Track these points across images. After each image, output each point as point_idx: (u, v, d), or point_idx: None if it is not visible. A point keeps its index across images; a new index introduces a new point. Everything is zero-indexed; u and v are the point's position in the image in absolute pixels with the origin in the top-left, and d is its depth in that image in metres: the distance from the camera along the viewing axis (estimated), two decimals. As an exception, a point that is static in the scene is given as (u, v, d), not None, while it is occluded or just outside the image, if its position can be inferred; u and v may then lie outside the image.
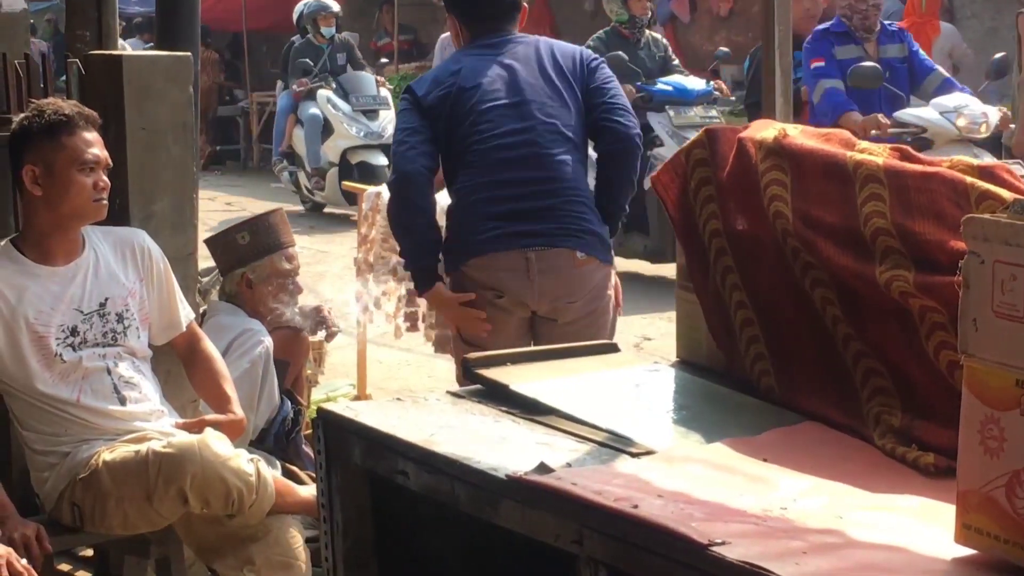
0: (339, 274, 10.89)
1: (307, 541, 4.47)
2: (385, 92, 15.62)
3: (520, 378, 3.03)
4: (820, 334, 2.83)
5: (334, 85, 15.44)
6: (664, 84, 11.72)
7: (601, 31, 12.41)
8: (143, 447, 4.25)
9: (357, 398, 6.60)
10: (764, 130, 3.02)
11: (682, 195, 3.14)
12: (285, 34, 23.79)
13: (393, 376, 8.35)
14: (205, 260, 5.62)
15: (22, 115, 4.45)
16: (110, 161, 4.40)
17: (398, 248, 5.95)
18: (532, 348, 3.37)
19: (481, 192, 4.83)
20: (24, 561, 3.93)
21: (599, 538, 2.33)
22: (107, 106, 4.65)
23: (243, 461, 4.21)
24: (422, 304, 5.93)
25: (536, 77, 4.89)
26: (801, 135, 2.96)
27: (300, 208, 15.68)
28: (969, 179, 2.67)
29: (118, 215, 4.57)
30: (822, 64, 9.02)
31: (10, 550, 4.05)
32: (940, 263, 2.55)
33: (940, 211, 2.63)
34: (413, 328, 6.07)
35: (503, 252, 4.77)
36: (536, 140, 4.84)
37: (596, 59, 5.04)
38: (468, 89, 4.88)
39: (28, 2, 5.60)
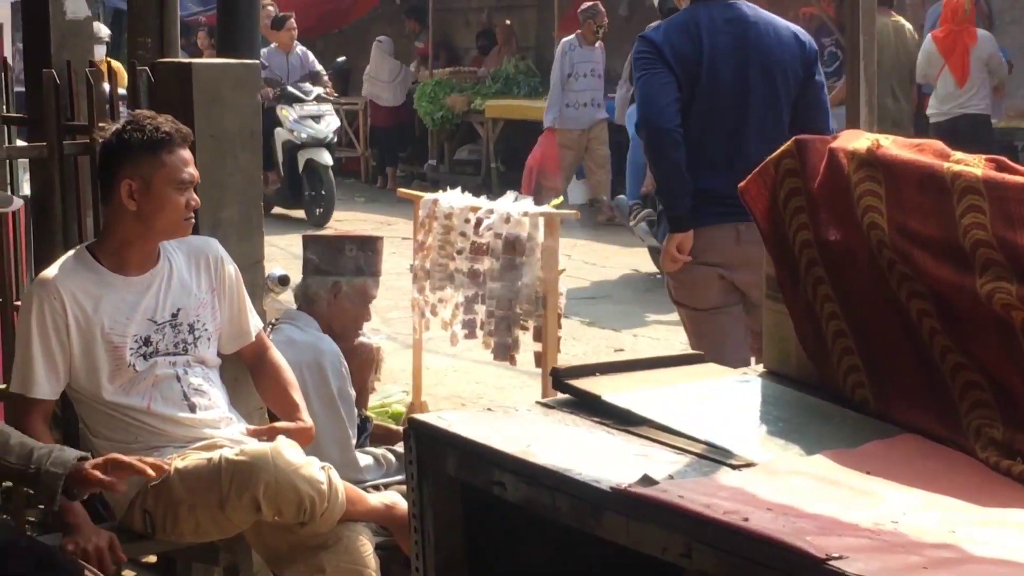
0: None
1: (376, 549, 4.47)
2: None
3: (610, 389, 3.02)
4: (917, 346, 2.82)
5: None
6: None
7: None
8: (215, 455, 4.25)
9: (412, 405, 6.60)
10: (855, 140, 3.01)
11: (771, 205, 3.14)
12: (318, 38, 23.91)
13: (441, 382, 8.36)
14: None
15: (117, 126, 4.42)
16: (199, 179, 4.41)
17: (455, 255, 5.98)
18: (618, 360, 3.36)
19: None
20: None
21: (709, 551, 2.33)
22: (175, 114, 4.64)
23: (315, 469, 4.21)
24: (480, 311, 5.94)
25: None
26: (894, 145, 2.95)
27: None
28: (1073, 191, 2.66)
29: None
30: None
31: (112, 536, 4.14)
32: (1045, 276, 2.54)
33: (1043, 223, 2.62)
34: (471, 335, 6.07)
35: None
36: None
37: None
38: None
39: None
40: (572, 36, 15.64)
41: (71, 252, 4.50)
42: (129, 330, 4.36)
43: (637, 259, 12.83)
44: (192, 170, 4.37)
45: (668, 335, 9.87)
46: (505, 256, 5.70)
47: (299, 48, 16.77)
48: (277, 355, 4.70)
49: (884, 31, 11.95)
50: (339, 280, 5.40)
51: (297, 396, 4.59)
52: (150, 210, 4.32)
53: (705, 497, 2.42)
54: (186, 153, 4.38)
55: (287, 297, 6.65)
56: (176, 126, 4.38)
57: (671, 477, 2.57)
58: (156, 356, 4.38)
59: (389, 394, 6.94)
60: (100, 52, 9.78)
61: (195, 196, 4.38)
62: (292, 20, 16.71)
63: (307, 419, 4.54)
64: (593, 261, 13.04)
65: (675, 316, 10.28)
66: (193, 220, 4.41)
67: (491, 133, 18.07)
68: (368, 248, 5.47)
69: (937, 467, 2.62)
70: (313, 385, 5.06)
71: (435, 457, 2.92)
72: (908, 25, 12.94)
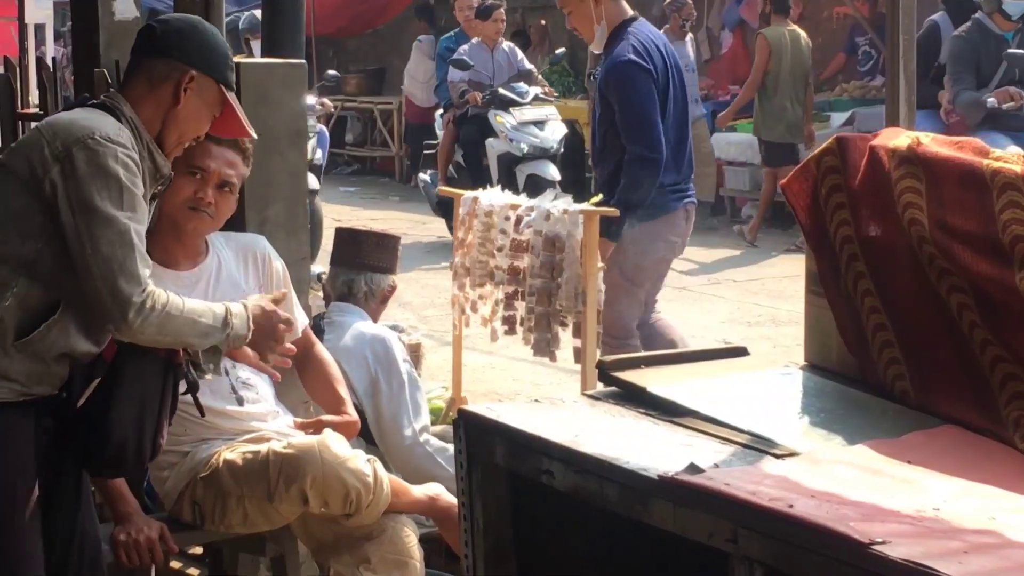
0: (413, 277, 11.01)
1: (420, 540, 4.54)
2: None
3: (655, 381, 3.09)
4: (956, 339, 2.87)
5: None
6: None
7: None
8: (263, 447, 4.33)
9: (452, 401, 6.66)
10: (896, 138, 3.07)
11: (812, 201, 3.20)
12: (351, 38, 23.99)
13: (479, 379, 8.42)
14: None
15: None
16: (229, 181, 4.40)
17: (495, 252, 6.04)
18: (664, 352, 3.43)
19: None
20: None
21: (755, 537, 2.39)
22: (222, 112, 4.73)
23: (361, 462, 4.28)
24: (520, 308, 5.99)
25: None
26: (934, 143, 3.00)
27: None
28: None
29: (235, 219, 4.64)
30: None
31: (163, 526, 4.24)
32: (1085, 270, 2.60)
33: (1082, 219, 2.68)
34: (511, 331, 6.12)
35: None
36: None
37: None
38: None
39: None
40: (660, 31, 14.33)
41: None
42: None
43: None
44: (215, 165, 4.34)
45: (703, 333, 9.93)
46: (545, 253, 5.76)
47: (505, 44, 14.17)
48: (322, 350, 4.76)
49: (782, 40, 13.29)
50: (394, 278, 5.47)
51: (342, 390, 4.66)
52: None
53: (751, 485, 2.48)
54: (216, 148, 4.34)
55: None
56: None
57: (716, 466, 2.63)
58: (203, 350, 4.45)
59: (429, 390, 6.99)
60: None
61: (209, 193, 4.35)
62: (501, 10, 14.10)
63: (352, 413, 4.61)
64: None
65: (710, 315, 10.39)
66: (203, 215, 4.36)
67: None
68: (387, 245, 5.53)
69: (977, 457, 2.68)
70: (383, 370, 5.13)
71: (484, 447, 2.99)
72: (803, 34, 13.67)
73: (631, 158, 6.13)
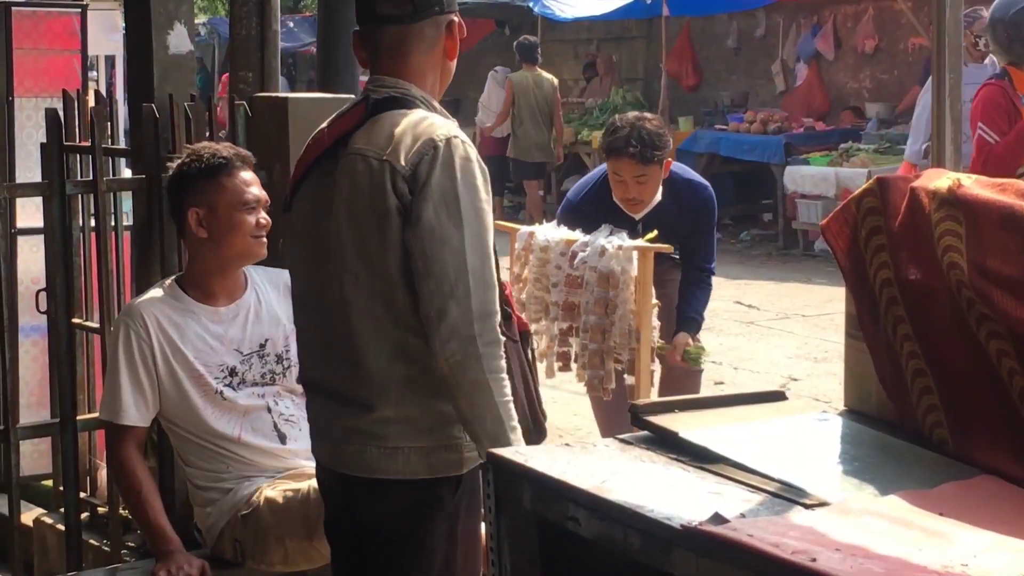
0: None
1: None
2: None
3: (688, 425, 3.03)
4: (996, 387, 2.80)
5: None
6: None
7: None
8: (304, 485, 4.30)
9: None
10: (937, 179, 3.00)
11: (852, 243, 3.13)
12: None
13: (539, 413, 8.35)
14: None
15: (179, 160, 4.53)
16: (268, 199, 4.47)
17: (550, 287, 6.01)
18: (699, 396, 3.38)
19: None
20: None
21: (776, 591, 2.33)
22: (272, 147, 4.73)
23: (402, 500, 4.24)
24: (574, 344, 5.95)
25: None
26: (975, 185, 2.93)
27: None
28: None
29: (281, 253, 4.63)
30: None
31: (204, 563, 4.26)
32: (1124, 318, 2.52)
33: (1123, 265, 2.60)
34: (565, 368, 6.09)
35: None
36: None
37: None
38: None
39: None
40: None
41: (160, 283, 4.59)
42: (213, 360, 4.42)
43: (740, 291, 12.79)
44: (257, 190, 4.43)
45: (769, 368, 9.83)
46: (599, 289, 5.72)
47: None
48: None
49: (526, 82, 17.63)
50: None
51: None
52: (220, 235, 4.40)
53: (775, 536, 2.41)
54: (247, 175, 4.44)
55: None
56: (235, 150, 4.46)
57: (743, 515, 2.57)
58: (244, 387, 4.44)
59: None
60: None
61: (265, 216, 4.43)
62: None
63: None
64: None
65: (776, 351, 10.29)
66: (264, 240, 4.45)
67: (598, 164, 18.07)
68: None
69: (1012, 509, 2.60)
70: None
71: (512, 491, 2.94)
72: (549, 77, 17.74)
73: (709, 274, 6.55)
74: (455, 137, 3.47)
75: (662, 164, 6.18)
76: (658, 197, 6.25)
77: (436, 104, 3.65)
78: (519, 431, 3.49)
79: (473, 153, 3.49)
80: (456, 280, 3.38)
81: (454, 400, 3.46)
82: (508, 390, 3.48)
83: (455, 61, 3.73)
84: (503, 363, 3.46)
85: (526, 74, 17.79)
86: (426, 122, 3.50)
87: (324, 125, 3.74)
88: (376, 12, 3.61)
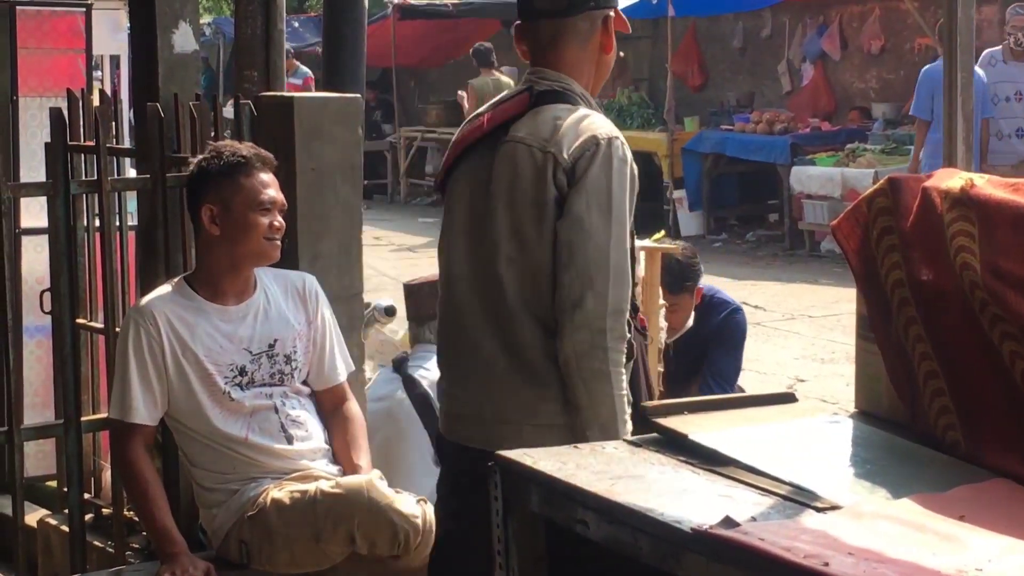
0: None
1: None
2: None
3: (698, 427, 3.00)
4: (1009, 388, 2.77)
5: None
6: None
7: None
8: (311, 486, 4.28)
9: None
10: (949, 179, 2.97)
11: (863, 244, 3.10)
12: (432, 69, 24.05)
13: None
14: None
15: (200, 157, 4.52)
16: (285, 203, 4.45)
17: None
18: (710, 397, 3.37)
19: None
20: None
21: (789, 595, 2.30)
22: (277, 147, 4.71)
23: (410, 503, 4.22)
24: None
25: None
26: (988, 185, 2.90)
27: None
28: None
29: (287, 254, 4.62)
30: None
31: (209, 565, 4.24)
32: None
33: None
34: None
35: None
36: None
37: None
38: None
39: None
40: (998, 47, 12.13)
41: (169, 281, 4.57)
42: (223, 359, 4.40)
43: (746, 292, 12.76)
44: (273, 192, 4.41)
45: (775, 369, 9.81)
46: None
47: None
48: (353, 407, 4.65)
49: (486, 87, 17.64)
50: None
51: (359, 455, 4.54)
52: (233, 234, 4.37)
53: (786, 540, 2.39)
54: (266, 176, 4.42)
55: (393, 327, 6.71)
56: (255, 151, 4.44)
57: (754, 518, 2.54)
58: (252, 387, 4.42)
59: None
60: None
61: (279, 219, 4.41)
62: None
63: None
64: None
65: (783, 352, 10.26)
66: (279, 243, 4.43)
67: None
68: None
69: (1026, 513, 2.57)
70: None
71: (519, 494, 2.92)
72: (507, 80, 17.87)
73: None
74: (616, 138, 3.64)
75: (693, 293, 6.19)
76: (690, 323, 6.26)
77: (593, 101, 3.80)
78: (629, 425, 3.60)
79: (630, 157, 3.65)
80: (596, 273, 3.53)
81: (572, 387, 3.58)
82: (625, 385, 3.62)
83: (612, 55, 3.87)
84: (624, 358, 3.60)
85: (485, 79, 18.43)
86: (589, 119, 3.66)
87: (483, 110, 3.87)
88: (533, 6, 3.78)
